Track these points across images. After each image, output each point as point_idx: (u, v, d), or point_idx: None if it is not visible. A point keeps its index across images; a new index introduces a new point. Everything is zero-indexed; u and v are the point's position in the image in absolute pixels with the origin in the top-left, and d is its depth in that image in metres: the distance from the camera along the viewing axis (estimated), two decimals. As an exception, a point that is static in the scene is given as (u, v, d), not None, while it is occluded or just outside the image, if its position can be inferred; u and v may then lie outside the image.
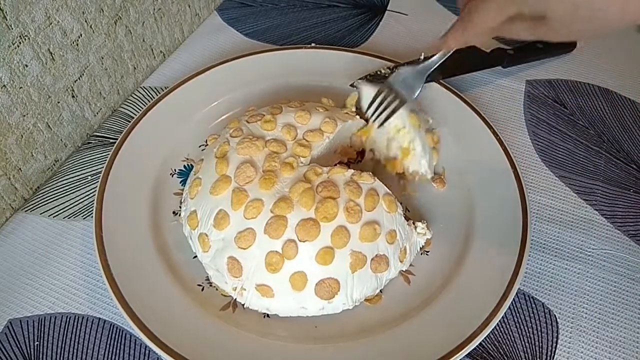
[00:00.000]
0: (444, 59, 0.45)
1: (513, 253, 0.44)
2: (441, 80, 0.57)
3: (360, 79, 0.56)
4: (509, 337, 0.43)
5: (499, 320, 0.41)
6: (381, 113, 0.49)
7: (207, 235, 0.42)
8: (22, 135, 0.48)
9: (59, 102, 0.50)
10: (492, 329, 0.40)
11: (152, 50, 0.61)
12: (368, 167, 0.52)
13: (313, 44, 0.64)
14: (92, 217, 0.45)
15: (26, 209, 0.50)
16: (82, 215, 0.49)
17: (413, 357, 0.39)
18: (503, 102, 0.61)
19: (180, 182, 0.51)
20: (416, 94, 0.48)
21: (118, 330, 0.42)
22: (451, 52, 0.44)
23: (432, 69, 0.47)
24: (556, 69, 0.64)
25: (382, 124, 0.49)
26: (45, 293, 0.44)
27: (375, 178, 0.43)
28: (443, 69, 0.57)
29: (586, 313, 0.44)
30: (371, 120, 0.50)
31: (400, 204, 0.45)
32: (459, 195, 0.50)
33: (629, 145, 0.57)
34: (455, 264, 0.45)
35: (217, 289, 0.44)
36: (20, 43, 0.44)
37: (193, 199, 0.44)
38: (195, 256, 0.44)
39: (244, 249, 0.40)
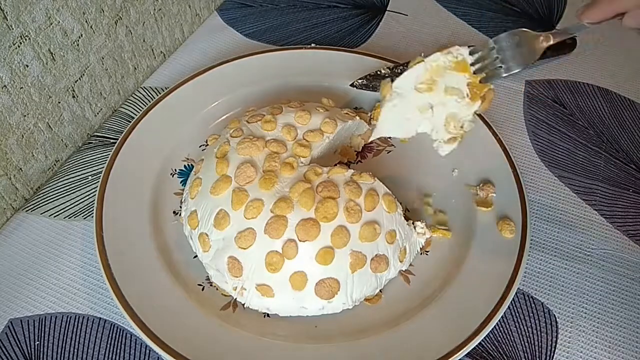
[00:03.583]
0: (578, 32, 0.42)
1: (513, 253, 0.44)
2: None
3: (360, 79, 0.57)
4: (508, 337, 0.43)
5: (499, 320, 0.41)
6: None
7: (207, 235, 0.42)
8: (22, 135, 0.48)
9: (59, 102, 0.50)
10: (492, 329, 0.40)
11: (152, 50, 0.61)
12: None
13: (313, 45, 0.64)
14: (92, 217, 0.45)
15: (27, 209, 0.50)
16: (82, 215, 0.49)
17: (413, 357, 0.40)
18: (503, 102, 0.61)
19: (181, 182, 0.51)
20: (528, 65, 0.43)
21: (118, 330, 0.43)
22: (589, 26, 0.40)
23: (557, 41, 0.42)
24: (556, 70, 0.64)
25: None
26: (46, 293, 0.44)
27: (375, 178, 0.44)
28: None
29: (585, 313, 0.45)
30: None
31: (400, 204, 0.45)
32: (459, 195, 0.50)
33: (628, 145, 0.57)
34: (455, 264, 0.45)
35: (217, 289, 0.44)
36: (20, 43, 0.44)
37: (193, 198, 0.44)
38: (196, 256, 0.44)
39: (244, 248, 0.40)
